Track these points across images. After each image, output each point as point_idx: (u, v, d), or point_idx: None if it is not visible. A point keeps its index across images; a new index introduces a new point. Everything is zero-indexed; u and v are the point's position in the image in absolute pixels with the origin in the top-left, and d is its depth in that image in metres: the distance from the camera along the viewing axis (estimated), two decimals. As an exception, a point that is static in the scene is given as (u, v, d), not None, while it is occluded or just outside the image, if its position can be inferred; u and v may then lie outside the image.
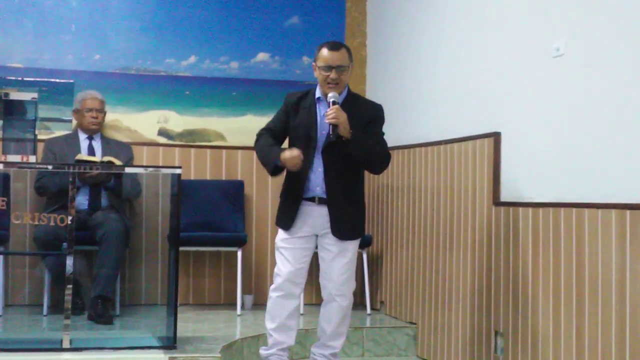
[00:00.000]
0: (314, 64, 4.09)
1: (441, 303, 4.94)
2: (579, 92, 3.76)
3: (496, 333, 4.37)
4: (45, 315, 5.28)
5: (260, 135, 4.19)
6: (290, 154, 3.93)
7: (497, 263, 4.35)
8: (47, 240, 5.00)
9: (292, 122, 4.09)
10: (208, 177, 6.08)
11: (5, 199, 4.30)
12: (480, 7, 4.70)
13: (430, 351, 5.05)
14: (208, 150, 6.11)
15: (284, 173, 4.13)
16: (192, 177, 6.02)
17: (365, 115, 4.06)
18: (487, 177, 4.46)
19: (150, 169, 4.94)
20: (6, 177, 5.52)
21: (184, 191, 5.40)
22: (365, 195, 4.22)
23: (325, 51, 4.02)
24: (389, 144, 5.25)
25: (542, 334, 3.94)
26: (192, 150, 6.09)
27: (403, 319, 5.45)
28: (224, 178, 6.10)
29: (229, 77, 6.20)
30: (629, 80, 3.45)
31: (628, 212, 3.38)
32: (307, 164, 4.01)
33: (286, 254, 4.07)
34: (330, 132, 3.88)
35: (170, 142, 6.09)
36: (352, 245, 4.11)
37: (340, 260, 4.07)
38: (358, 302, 5.90)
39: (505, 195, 4.34)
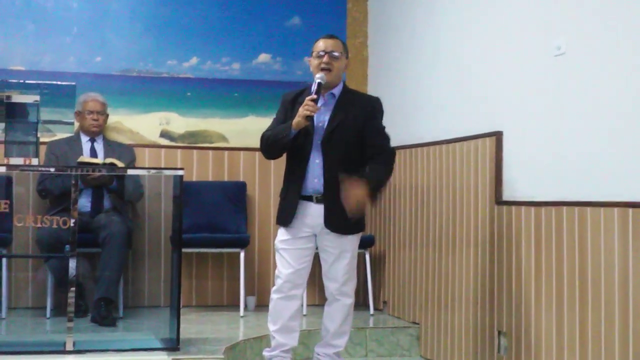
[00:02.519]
0: (309, 59, 4.13)
1: (444, 303, 4.94)
2: (581, 91, 3.76)
3: (499, 332, 4.37)
4: (48, 318, 5.28)
5: (263, 135, 4.17)
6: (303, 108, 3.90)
7: (499, 262, 4.35)
8: (50, 242, 5.00)
9: (290, 119, 4.08)
10: (210, 179, 6.09)
11: (8, 201, 4.29)
12: (482, 6, 4.69)
13: (434, 351, 5.05)
14: (210, 152, 6.11)
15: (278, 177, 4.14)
16: (195, 179, 6.02)
17: (364, 110, 4.07)
18: (489, 177, 4.46)
19: (153, 171, 4.93)
20: (9, 180, 5.53)
21: (186, 193, 5.40)
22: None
23: (319, 41, 4.11)
24: (392, 144, 5.25)
25: (546, 333, 3.94)
26: (194, 151, 6.09)
27: (406, 319, 5.45)
28: (226, 179, 6.11)
29: (230, 79, 6.21)
30: (631, 78, 3.45)
31: (630, 210, 3.38)
32: (305, 157, 4.01)
33: (286, 255, 4.06)
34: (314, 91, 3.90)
35: (172, 143, 6.09)
36: (351, 244, 4.09)
37: (341, 262, 4.07)
38: (361, 303, 5.90)
39: (508, 195, 4.34)
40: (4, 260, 5.33)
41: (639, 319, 3.33)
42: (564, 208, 3.80)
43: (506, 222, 4.28)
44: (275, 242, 4.13)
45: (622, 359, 3.40)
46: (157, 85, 6.09)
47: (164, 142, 6.08)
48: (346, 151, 4.00)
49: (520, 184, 4.25)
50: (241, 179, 6.12)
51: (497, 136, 4.40)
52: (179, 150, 6.06)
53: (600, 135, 3.62)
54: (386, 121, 4.23)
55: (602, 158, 3.60)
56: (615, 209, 3.46)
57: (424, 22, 5.44)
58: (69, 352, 4.11)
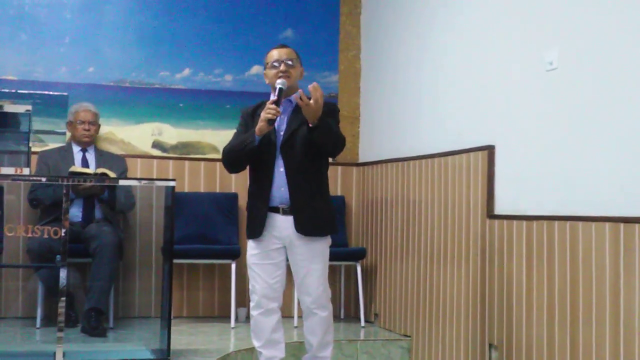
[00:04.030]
0: (265, 71, 4.13)
1: (435, 315, 4.94)
2: (573, 106, 3.78)
3: (490, 346, 4.37)
4: (38, 328, 5.26)
5: (224, 149, 4.15)
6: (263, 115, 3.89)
7: (491, 276, 4.35)
8: (41, 252, 4.98)
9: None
10: (202, 190, 6.08)
11: (-1, 211, 4.30)
12: (474, 21, 4.72)
13: (425, 364, 5.05)
14: (202, 163, 6.11)
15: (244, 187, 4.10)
16: (186, 190, 6.01)
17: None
18: (481, 190, 4.47)
19: (145, 182, 4.94)
20: (0, 190, 5.51)
21: (178, 204, 5.40)
22: (330, 192, 4.15)
23: (272, 51, 4.11)
24: (384, 157, 5.26)
25: (537, 347, 3.94)
26: (186, 162, 6.09)
27: (397, 331, 5.44)
28: (218, 190, 6.10)
29: (223, 90, 6.21)
30: (622, 93, 3.47)
31: (622, 225, 3.39)
32: (270, 166, 4.01)
33: (258, 270, 4.02)
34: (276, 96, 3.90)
35: (165, 154, 6.08)
36: (321, 250, 4.03)
37: (313, 274, 4.01)
38: (352, 315, 5.90)
39: (499, 209, 4.35)
40: (-5, 269, 5.32)
41: (630, 333, 3.34)
42: (556, 222, 3.81)
43: (498, 235, 4.29)
44: (247, 256, 4.08)
45: (612, 373, 3.42)
46: (150, 96, 6.09)
47: (156, 152, 6.08)
48: (305, 157, 3.97)
49: (512, 198, 4.26)
50: (233, 190, 6.11)
51: (489, 150, 4.41)
52: (171, 161, 6.06)
53: (591, 150, 3.64)
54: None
55: (593, 173, 3.62)
56: (607, 224, 3.48)
57: (416, 36, 5.46)
58: (59, 363, 4.11)
